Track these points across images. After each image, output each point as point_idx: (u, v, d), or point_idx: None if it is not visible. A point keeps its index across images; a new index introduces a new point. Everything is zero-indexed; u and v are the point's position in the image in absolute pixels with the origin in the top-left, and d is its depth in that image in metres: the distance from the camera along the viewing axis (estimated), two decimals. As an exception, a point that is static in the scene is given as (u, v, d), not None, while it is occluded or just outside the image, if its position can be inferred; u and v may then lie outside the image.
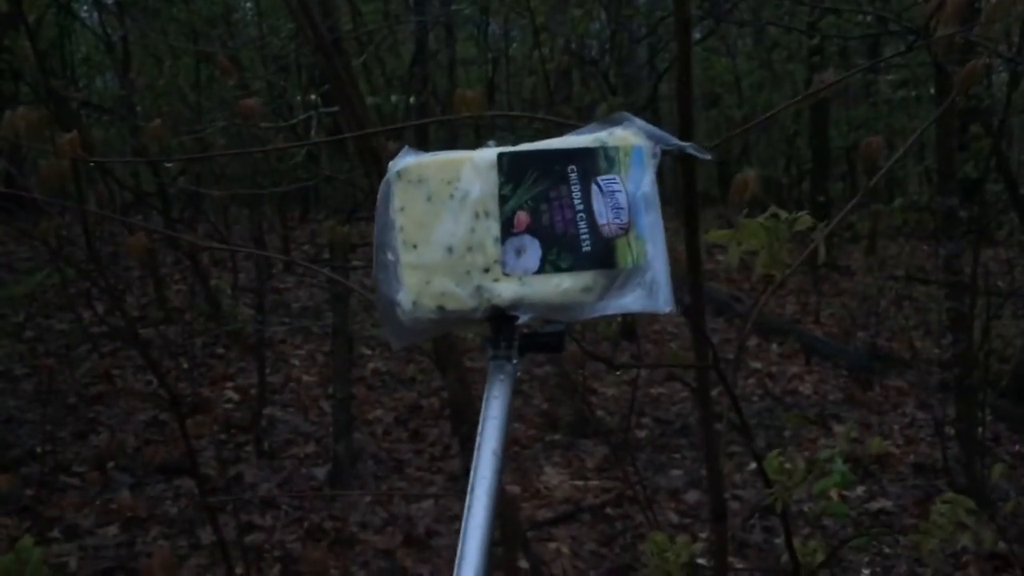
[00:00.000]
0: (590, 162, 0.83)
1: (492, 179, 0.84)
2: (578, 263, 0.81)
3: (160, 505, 3.87)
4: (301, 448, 4.62)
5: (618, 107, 2.08)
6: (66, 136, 1.55)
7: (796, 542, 1.65)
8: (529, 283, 0.82)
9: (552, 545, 3.76)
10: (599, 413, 5.21)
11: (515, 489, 4.18)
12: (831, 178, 10.20)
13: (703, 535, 3.81)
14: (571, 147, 0.84)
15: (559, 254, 0.82)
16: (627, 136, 0.85)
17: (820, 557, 1.71)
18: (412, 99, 8.70)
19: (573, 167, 0.83)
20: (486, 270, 0.83)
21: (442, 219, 0.84)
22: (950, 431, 4.35)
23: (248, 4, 7.74)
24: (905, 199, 7.62)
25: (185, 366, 5.10)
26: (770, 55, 10.18)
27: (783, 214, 1.24)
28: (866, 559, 3.64)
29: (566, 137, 0.87)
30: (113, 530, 3.64)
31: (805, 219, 1.24)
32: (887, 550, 3.69)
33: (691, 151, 0.89)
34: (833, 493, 4.08)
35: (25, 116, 1.77)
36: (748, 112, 10.20)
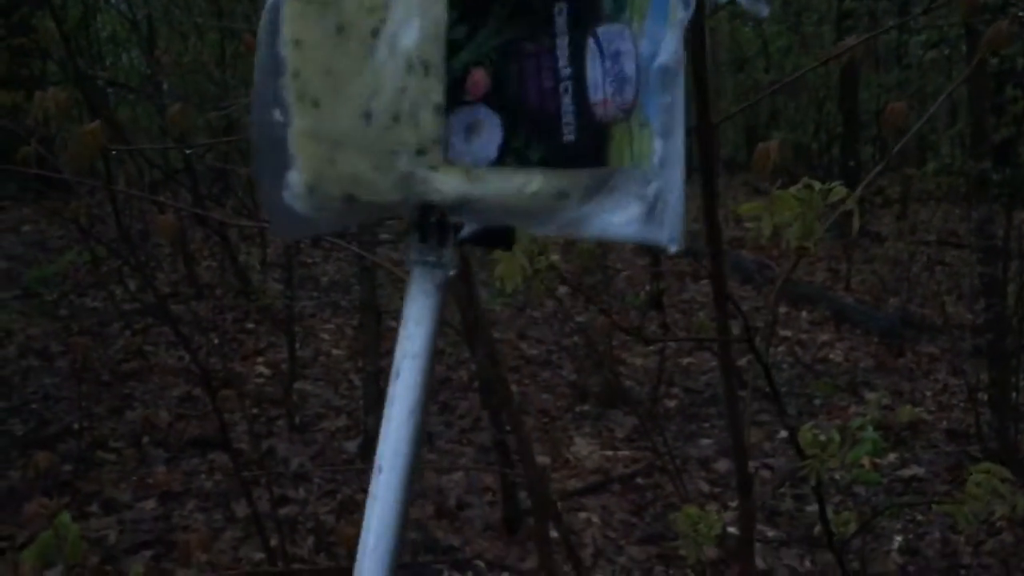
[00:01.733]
0: (588, 1, 0.56)
1: (439, 12, 0.56)
2: (554, 155, 0.56)
3: (195, 479, 3.92)
4: (332, 422, 4.66)
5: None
6: (90, 125, 1.56)
7: (828, 511, 1.65)
8: (481, 178, 0.57)
9: (583, 515, 3.78)
10: (628, 383, 5.21)
11: (545, 460, 4.20)
12: (861, 142, 10.07)
13: (733, 504, 3.82)
14: None
15: (528, 140, 0.56)
16: None
17: (853, 527, 1.70)
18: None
19: (562, 6, 0.56)
20: (420, 152, 0.57)
21: (360, 67, 0.57)
22: (983, 397, 4.31)
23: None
24: (937, 163, 7.51)
25: (216, 341, 5.16)
26: (799, 19, 10.04)
27: (816, 185, 1.23)
28: (898, 526, 3.63)
29: None
30: (150, 504, 3.70)
31: (839, 190, 1.22)
32: (919, 517, 3.67)
33: (744, 4, 0.60)
34: (865, 461, 4.08)
35: (55, 97, 1.78)
36: (776, 77, 10.09)
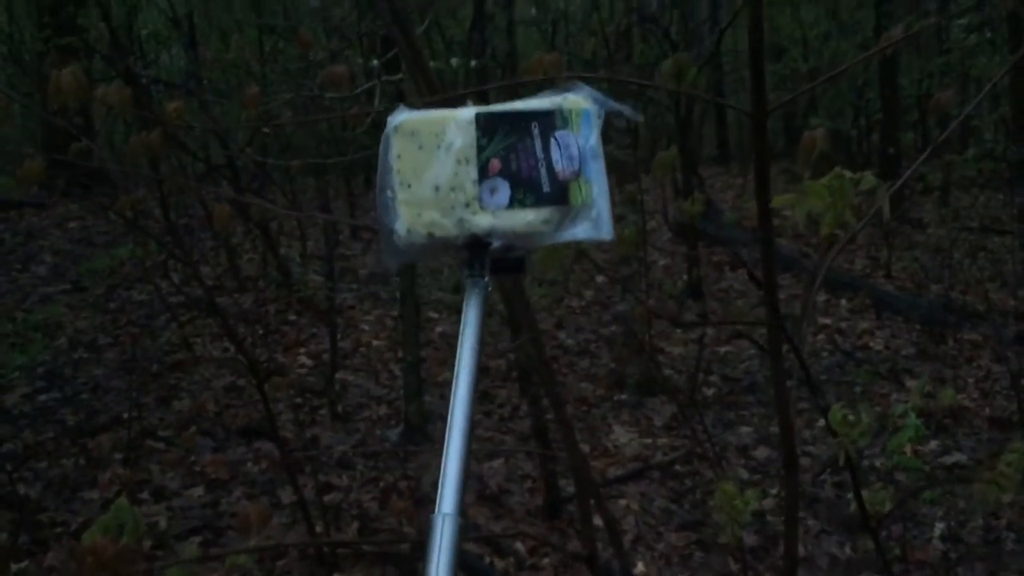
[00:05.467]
0: (549, 121, 1.01)
1: (471, 133, 1.02)
2: (539, 200, 1.00)
3: (242, 467, 4.01)
4: (374, 411, 4.73)
5: (682, 62, 2.12)
6: (171, 105, 1.63)
7: (865, 494, 1.66)
8: (500, 216, 1.00)
9: (622, 502, 3.81)
10: (666, 372, 5.22)
11: (585, 448, 4.23)
12: (902, 128, 9.95)
13: (773, 491, 3.83)
14: (534, 109, 1.02)
15: (524, 193, 1.00)
16: (578, 100, 1.03)
17: (888, 506, 1.72)
18: (473, 63, 8.71)
19: (536, 124, 1.01)
20: (466, 205, 1.01)
21: (431, 164, 1.03)
22: (1027, 384, 4.27)
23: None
24: (979, 148, 7.41)
25: (260, 333, 5.25)
26: (837, 3, 9.93)
27: (847, 174, 1.25)
28: (940, 513, 3.62)
29: (530, 100, 1.05)
30: (199, 491, 3.79)
31: (869, 179, 1.25)
32: (961, 504, 3.66)
33: (627, 114, 1.08)
34: (907, 447, 4.07)
35: (119, 91, 1.85)
36: (814, 65, 9.99)
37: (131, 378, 4.49)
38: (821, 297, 6.56)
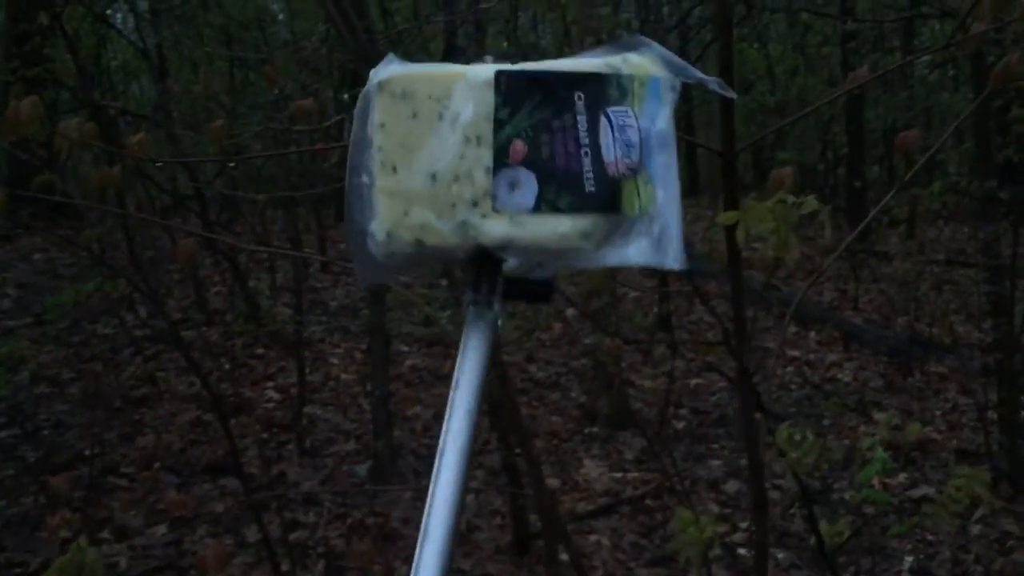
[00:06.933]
0: (600, 90, 0.74)
1: (487, 100, 0.74)
2: (578, 204, 0.72)
3: (206, 504, 3.94)
4: (342, 446, 4.68)
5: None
6: (135, 137, 1.60)
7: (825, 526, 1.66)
8: (521, 222, 0.73)
9: (592, 537, 3.78)
10: (637, 405, 5.22)
11: (555, 482, 4.20)
12: (868, 162, 10.09)
13: (743, 525, 3.81)
14: (580, 71, 0.75)
15: (558, 192, 0.73)
16: (644, 64, 0.76)
17: (845, 536, 1.72)
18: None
19: (580, 94, 0.74)
20: (474, 203, 0.73)
21: (428, 141, 0.75)
22: (992, 416, 4.31)
23: (279, 7, 7.82)
24: (944, 181, 7.52)
25: (226, 367, 5.19)
26: (803, 40, 10.08)
27: (790, 198, 1.26)
28: (909, 546, 3.62)
29: (575, 58, 0.77)
30: (161, 529, 3.72)
31: (811, 203, 1.26)
32: (930, 536, 3.66)
33: (715, 87, 0.81)
34: (875, 481, 4.07)
35: (80, 126, 1.82)
36: (782, 98, 10.12)
37: (93, 414, 4.42)
38: (791, 329, 6.60)
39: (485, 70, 0.75)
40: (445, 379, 5.68)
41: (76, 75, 4.06)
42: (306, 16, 6.51)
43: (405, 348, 6.13)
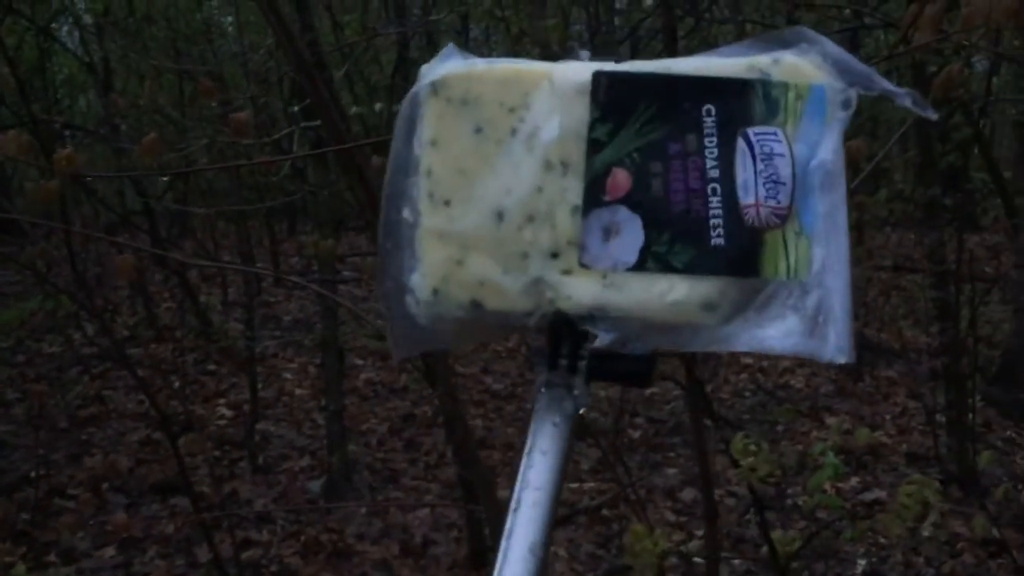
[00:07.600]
0: (739, 103, 0.53)
1: (581, 111, 0.54)
2: (700, 263, 0.52)
3: (156, 525, 3.86)
4: (296, 462, 4.62)
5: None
6: (62, 152, 1.56)
7: (778, 535, 1.67)
8: (619, 284, 0.53)
9: (550, 549, 3.76)
10: (592, 414, 5.22)
11: (508, 493, 4.18)
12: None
13: (699, 533, 3.83)
14: (712, 75, 0.54)
15: (672, 244, 0.53)
16: (803, 67, 0.55)
17: (797, 545, 1.73)
18: (396, 107, 8.73)
19: (710, 107, 0.53)
20: (554, 255, 0.54)
21: (494, 166, 0.55)
22: (941, 419, 4.38)
23: (228, 20, 7.75)
24: (890, 189, 7.65)
25: (176, 384, 5.10)
26: (742, 30, 10.20)
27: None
28: (862, 550, 3.66)
29: (705, 57, 0.56)
30: (110, 551, 3.64)
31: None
32: (882, 540, 3.71)
33: (908, 102, 0.58)
34: (827, 485, 4.11)
35: (16, 139, 1.78)
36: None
37: (39, 434, 4.32)
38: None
39: (580, 70, 0.55)
40: (399, 393, 5.64)
41: (16, 89, 3.98)
42: (254, 28, 6.45)
43: (360, 361, 6.08)
